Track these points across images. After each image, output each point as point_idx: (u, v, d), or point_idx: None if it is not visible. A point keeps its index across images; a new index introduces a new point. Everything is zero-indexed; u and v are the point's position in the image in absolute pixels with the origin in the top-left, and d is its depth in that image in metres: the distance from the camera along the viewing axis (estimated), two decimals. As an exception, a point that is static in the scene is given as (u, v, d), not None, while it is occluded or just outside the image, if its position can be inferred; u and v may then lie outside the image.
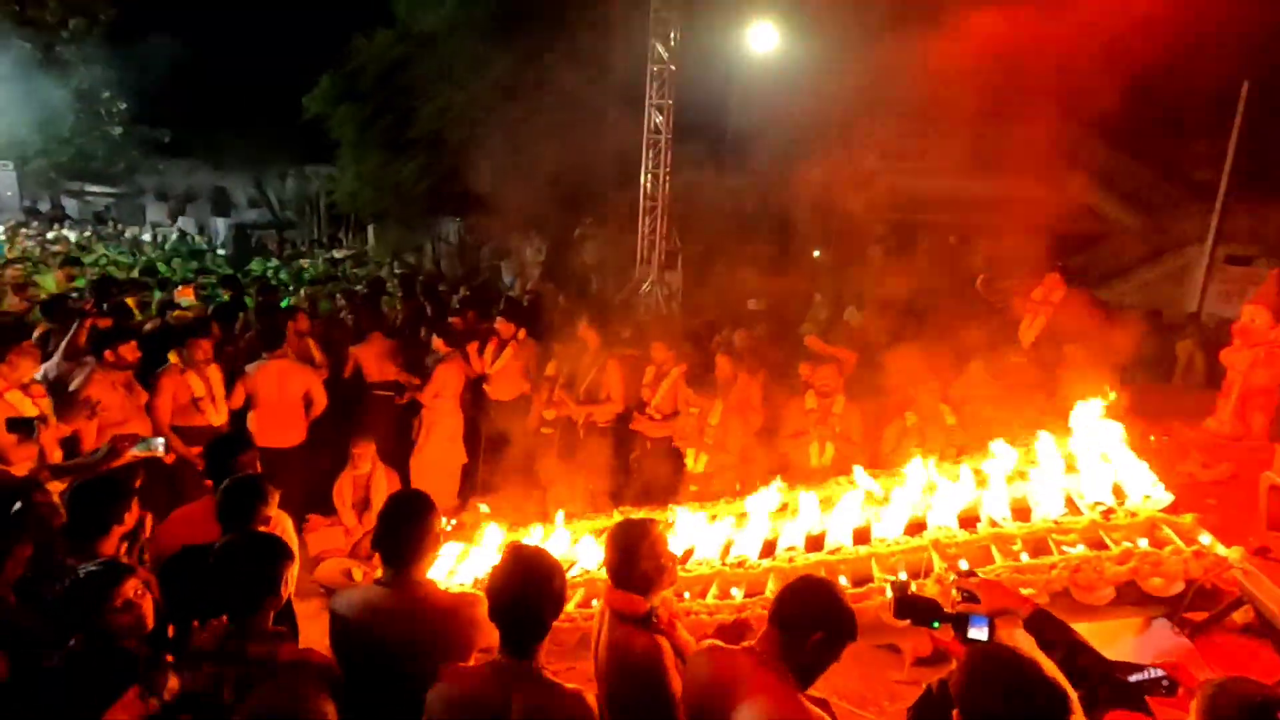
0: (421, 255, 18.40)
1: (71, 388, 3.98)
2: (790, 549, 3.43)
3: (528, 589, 1.77)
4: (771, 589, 3.08)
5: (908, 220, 15.98)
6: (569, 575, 3.62)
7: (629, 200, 11.89)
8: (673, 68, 9.68)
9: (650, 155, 10.04)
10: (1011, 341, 5.48)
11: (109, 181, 24.19)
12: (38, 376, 3.94)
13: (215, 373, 4.78)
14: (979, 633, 1.70)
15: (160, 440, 2.63)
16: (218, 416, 4.66)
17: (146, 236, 17.76)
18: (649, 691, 1.97)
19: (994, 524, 3.02)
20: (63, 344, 4.53)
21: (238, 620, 1.92)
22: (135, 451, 2.58)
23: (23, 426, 3.16)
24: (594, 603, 3.15)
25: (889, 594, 1.92)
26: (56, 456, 3.54)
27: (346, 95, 15.63)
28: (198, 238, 19.91)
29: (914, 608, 1.83)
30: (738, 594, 3.19)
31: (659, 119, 9.92)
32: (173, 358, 4.68)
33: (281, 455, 4.91)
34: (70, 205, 23.40)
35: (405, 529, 2.16)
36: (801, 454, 4.78)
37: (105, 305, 4.83)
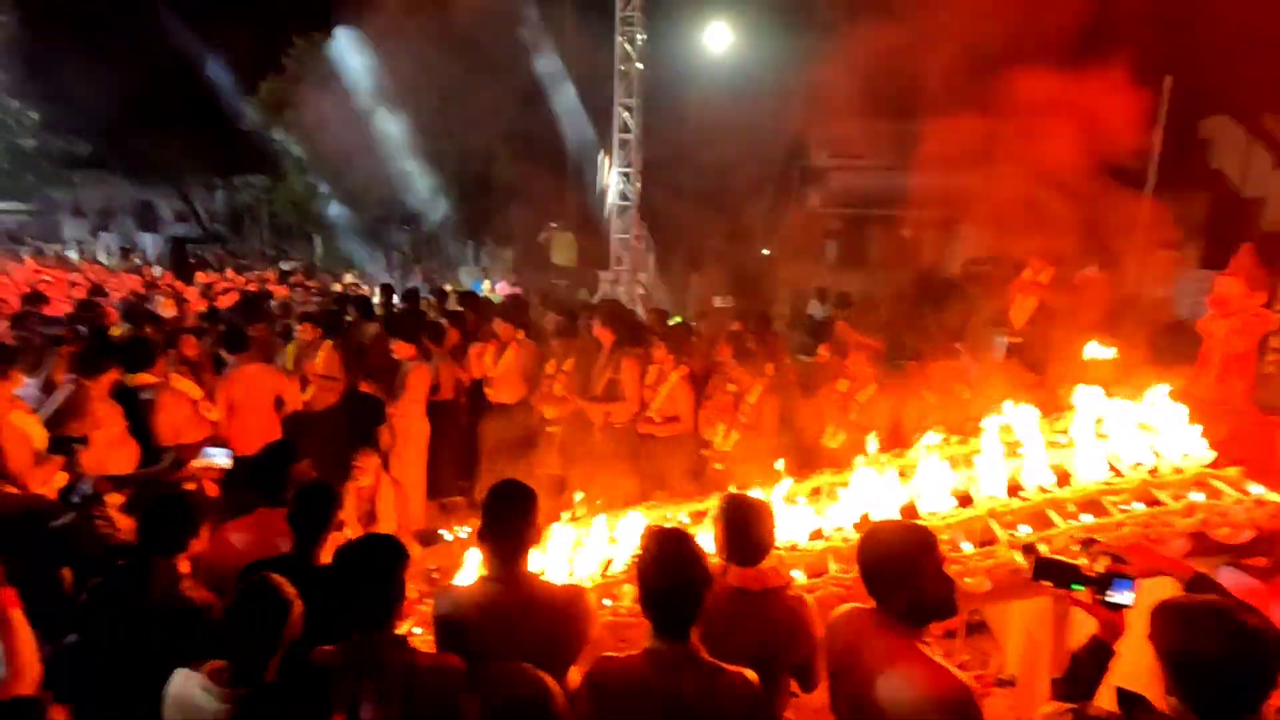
0: (374, 264, 17.88)
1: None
2: (838, 529, 3.48)
3: (683, 569, 1.73)
4: (835, 569, 3.12)
5: (858, 215, 16.52)
6: (613, 571, 3.58)
7: (592, 201, 11.90)
8: (639, 66, 9.72)
9: (620, 155, 10.04)
10: (1000, 323, 5.71)
11: (19, 197, 22.54)
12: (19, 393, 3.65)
13: (205, 375, 4.53)
14: (1123, 596, 1.73)
15: (223, 451, 2.45)
16: (214, 415, 4.42)
17: (72, 254, 16.60)
18: (806, 644, 2.04)
19: (1044, 490, 3.13)
20: (42, 374, 4.20)
21: (368, 630, 1.81)
22: (196, 463, 2.41)
23: (65, 447, 2.91)
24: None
25: (1018, 558, 1.95)
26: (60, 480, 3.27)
27: (289, 101, 15.07)
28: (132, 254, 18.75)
29: (1053, 569, 1.86)
30: (800, 576, 3.21)
31: (627, 117, 9.93)
32: (144, 379, 4.35)
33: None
34: (-23, 223, 21.70)
35: (514, 522, 2.09)
36: (821, 434, 4.86)
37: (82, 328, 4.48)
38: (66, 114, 19.31)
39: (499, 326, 5.90)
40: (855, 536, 3.36)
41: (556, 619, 2.08)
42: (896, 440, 4.58)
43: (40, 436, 3.13)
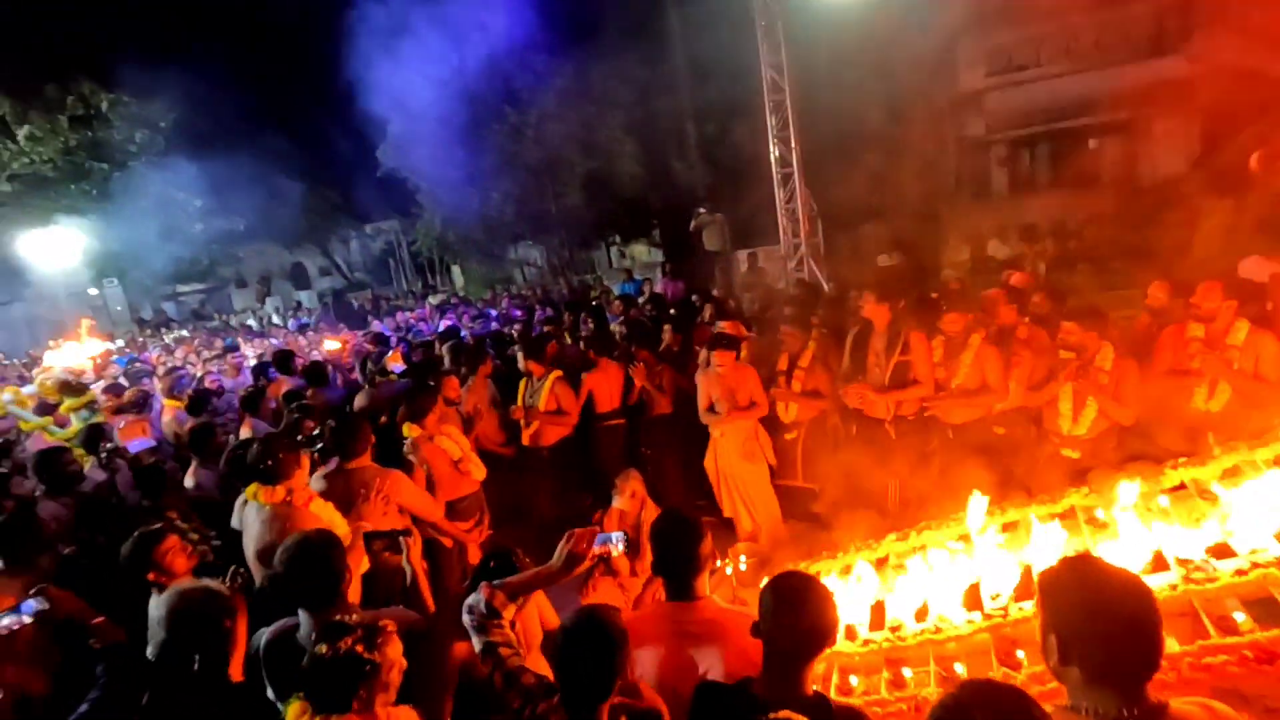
0: (511, 284, 18.08)
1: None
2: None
3: None
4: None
5: (1029, 135, 14.56)
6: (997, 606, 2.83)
7: (742, 174, 11.09)
8: (781, 23, 8.77)
9: (774, 119, 9.15)
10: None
11: (196, 279, 24.92)
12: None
13: (457, 430, 4.23)
14: None
15: (619, 534, 1.98)
16: (479, 471, 4.11)
17: (252, 323, 17.97)
18: None
19: None
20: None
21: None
22: (595, 550, 1.95)
23: (394, 543, 2.62)
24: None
25: None
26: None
27: (417, 139, 15.36)
28: (297, 313, 20.11)
29: None
30: None
31: (775, 77, 9.02)
32: (412, 430, 4.09)
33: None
34: (169, 307, 24.19)
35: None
36: (1182, 396, 3.84)
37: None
38: (222, 194, 20.99)
39: (727, 327, 5.30)
40: None
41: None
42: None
43: (343, 527, 2.85)
